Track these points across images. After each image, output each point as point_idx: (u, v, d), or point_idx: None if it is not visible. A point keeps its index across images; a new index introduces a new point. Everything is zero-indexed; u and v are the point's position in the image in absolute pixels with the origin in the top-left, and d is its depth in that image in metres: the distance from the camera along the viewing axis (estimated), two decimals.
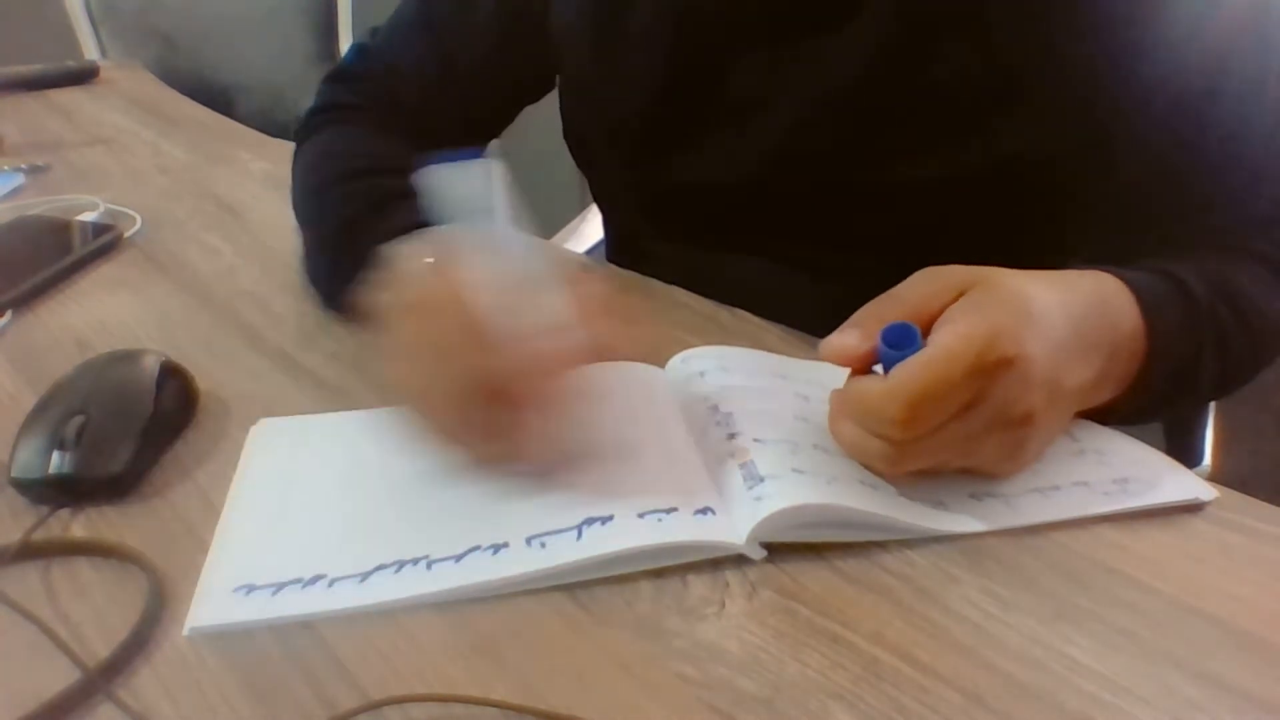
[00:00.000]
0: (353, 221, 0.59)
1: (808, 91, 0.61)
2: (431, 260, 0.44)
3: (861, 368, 0.44)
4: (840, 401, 0.45)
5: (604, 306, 0.44)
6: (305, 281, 0.65)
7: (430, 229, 0.53)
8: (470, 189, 0.43)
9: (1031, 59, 0.56)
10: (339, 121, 0.73)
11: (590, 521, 0.42)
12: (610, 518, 0.42)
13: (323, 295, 0.63)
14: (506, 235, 0.44)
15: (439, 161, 0.43)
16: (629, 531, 0.42)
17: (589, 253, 1.12)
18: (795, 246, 0.66)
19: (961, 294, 0.44)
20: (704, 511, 0.43)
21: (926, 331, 0.43)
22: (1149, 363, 0.50)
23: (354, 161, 0.66)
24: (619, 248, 0.81)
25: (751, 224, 0.67)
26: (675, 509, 0.43)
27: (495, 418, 0.43)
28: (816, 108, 0.61)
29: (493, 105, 0.76)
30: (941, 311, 0.44)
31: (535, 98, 0.78)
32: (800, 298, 0.60)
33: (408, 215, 0.56)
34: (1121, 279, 0.50)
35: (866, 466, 0.45)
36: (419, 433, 0.46)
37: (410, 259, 0.50)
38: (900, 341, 0.42)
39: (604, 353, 0.44)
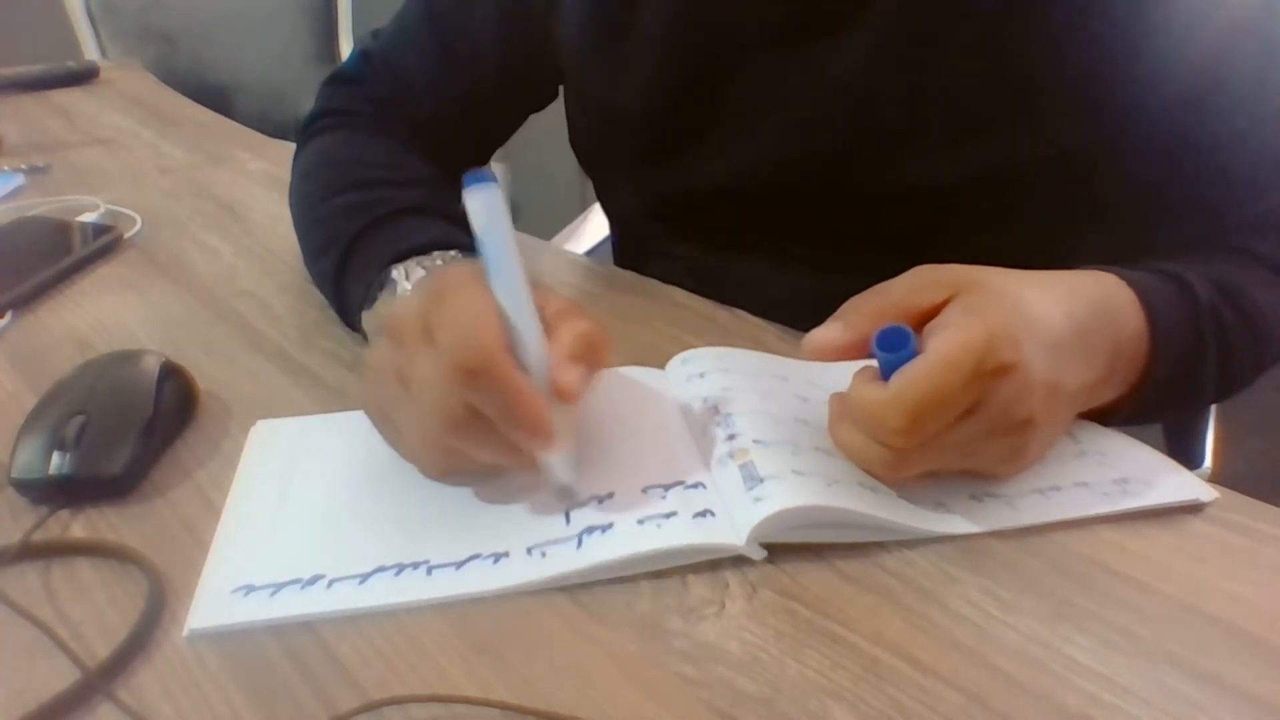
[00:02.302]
0: (355, 239, 0.59)
1: (813, 94, 0.61)
2: (426, 290, 0.43)
3: (843, 358, 0.45)
4: (841, 407, 0.45)
5: (587, 344, 0.44)
6: (314, 282, 0.65)
7: (434, 252, 0.53)
8: (473, 214, 0.43)
9: (1034, 63, 0.56)
10: (341, 127, 0.72)
11: (590, 530, 0.42)
12: (609, 525, 0.43)
13: (331, 304, 0.62)
14: (502, 262, 0.43)
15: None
16: (628, 539, 0.42)
17: (590, 253, 1.12)
18: (804, 247, 0.67)
19: (953, 294, 0.44)
20: (703, 514, 0.43)
21: (916, 329, 0.43)
22: (1151, 363, 0.50)
23: (357, 171, 0.66)
24: (625, 248, 0.81)
25: (759, 225, 0.67)
26: (675, 513, 0.43)
27: (467, 451, 0.42)
28: (822, 110, 0.61)
29: (499, 112, 0.76)
30: (929, 309, 0.44)
31: (541, 104, 0.77)
32: (808, 297, 0.60)
33: (410, 234, 0.57)
34: (1124, 279, 0.50)
35: (867, 471, 0.45)
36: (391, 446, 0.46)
37: (408, 289, 0.50)
38: (894, 345, 0.42)
39: (577, 394, 0.42)
